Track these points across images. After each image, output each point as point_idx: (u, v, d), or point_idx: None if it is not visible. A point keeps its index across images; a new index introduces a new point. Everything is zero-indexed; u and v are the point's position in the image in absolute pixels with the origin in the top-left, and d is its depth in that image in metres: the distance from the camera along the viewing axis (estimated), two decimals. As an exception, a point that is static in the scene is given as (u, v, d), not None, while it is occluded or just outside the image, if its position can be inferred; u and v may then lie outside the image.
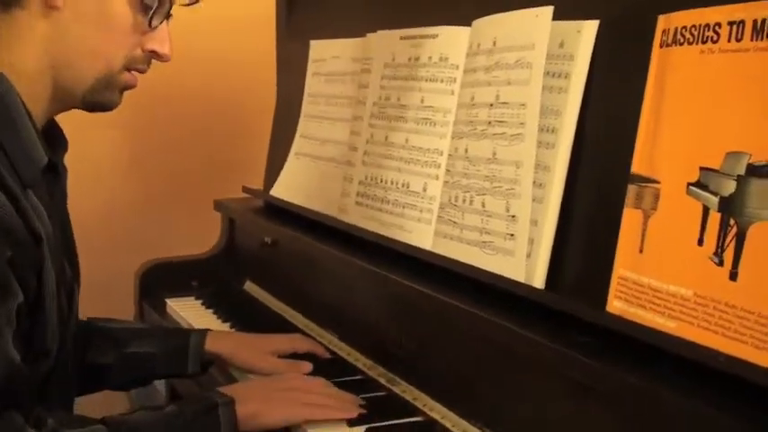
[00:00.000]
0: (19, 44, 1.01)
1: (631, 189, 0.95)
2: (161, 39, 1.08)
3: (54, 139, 1.12)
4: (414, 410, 1.18)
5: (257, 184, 1.92)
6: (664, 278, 0.89)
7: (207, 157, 2.32)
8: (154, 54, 1.09)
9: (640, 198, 0.94)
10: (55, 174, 1.11)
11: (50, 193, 1.08)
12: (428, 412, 1.17)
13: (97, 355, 1.30)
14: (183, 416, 1.04)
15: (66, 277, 1.12)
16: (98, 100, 1.08)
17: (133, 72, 1.09)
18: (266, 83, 2.08)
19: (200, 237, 1.96)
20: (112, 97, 1.09)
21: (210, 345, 1.33)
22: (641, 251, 0.93)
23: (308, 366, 1.31)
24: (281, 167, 1.82)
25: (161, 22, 1.07)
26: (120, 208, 2.29)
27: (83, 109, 1.10)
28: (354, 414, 1.13)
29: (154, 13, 1.05)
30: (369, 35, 1.53)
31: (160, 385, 2.13)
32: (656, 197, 0.91)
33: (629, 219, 0.95)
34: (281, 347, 1.35)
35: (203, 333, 1.35)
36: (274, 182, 1.82)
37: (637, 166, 0.95)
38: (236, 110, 2.31)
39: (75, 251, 1.21)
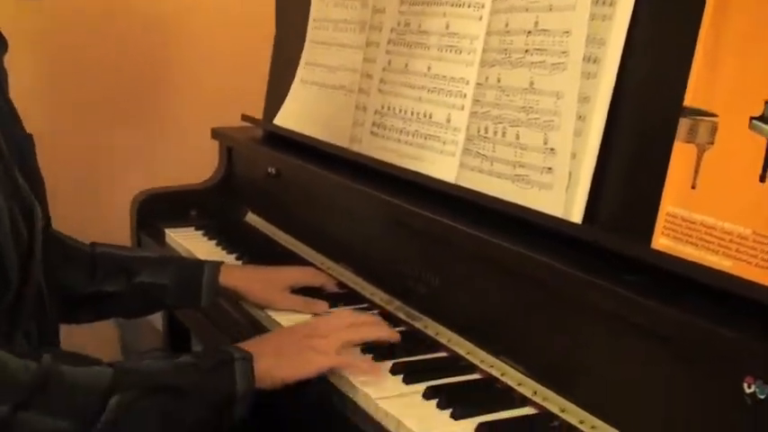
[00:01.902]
0: None
1: (684, 122, 0.91)
2: None
3: None
4: (437, 346, 1.16)
5: (255, 113, 1.85)
6: (719, 215, 0.87)
7: (203, 86, 2.24)
8: None
9: (694, 132, 0.90)
10: None
11: None
12: (452, 347, 1.14)
13: (105, 282, 1.25)
14: (197, 367, 0.98)
15: (22, 193, 1.00)
16: None
17: None
18: (263, 7, 1.99)
19: (197, 167, 1.90)
20: None
21: (225, 279, 1.29)
22: (693, 187, 0.90)
23: (325, 306, 1.27)
24: (282, 96, 1.75)
25: None
26: (115, 137, 2.22)
27: None
28: (377, 371, 1.05)
29: None
30: (384, -43, 1.46)
31: (156, 321, 2.10)
32: (713, 131, 0.88)
33: (681, 153, 0.91)
34: (295, 281, 1.32)
35: (217, 266, 1.30)
36: (275, 111, 1.76)
37: (691, 99, 0.91)
38: (231, 36, 2.23)
39: (32, 163, 1.10)
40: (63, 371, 0.89)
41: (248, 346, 1.05)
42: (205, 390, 0.97)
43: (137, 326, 2.44)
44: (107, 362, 0.94)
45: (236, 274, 1.31)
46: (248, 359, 1.01)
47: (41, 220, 1.05)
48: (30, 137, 1.11)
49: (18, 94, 1.13)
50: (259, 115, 1.83)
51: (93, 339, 2.38)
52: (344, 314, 1.16)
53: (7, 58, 1.11)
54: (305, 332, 1.09)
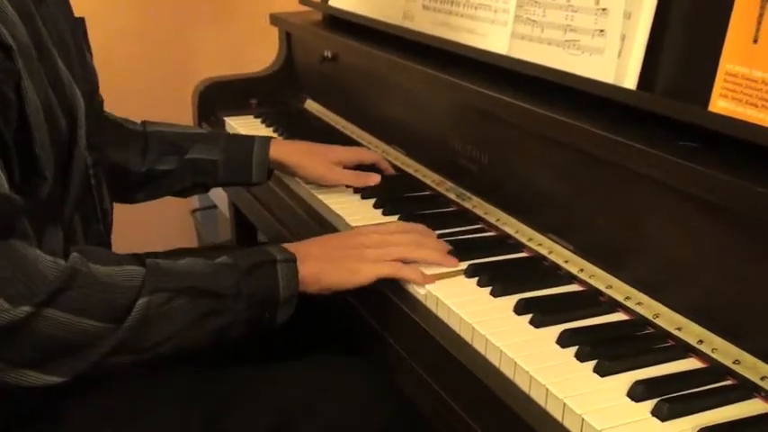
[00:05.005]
0: None
1: (748, -32, 0.81)
2: None
3: None
4: (486, 225, 1.12)
5: None
6: (782, 70, 0.78)
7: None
8: None
9: (759, -22, 0.80)
10: None
11: None
12: (501, 227, 1.10)
13: (158, 161, 1.24)
14: (237, 268, 0.92)
15: (63, 84, 0.93)
16: None
17: None
18: None
19: (257, 54, 1.87)
20: None
21: (275, 152, 1.26)
22: (756, 41, 0.81)
23: (376, 178, 1.24)
24: (340, -24, 1.69)
25: None
26: (173, 26, 2.21)
27: None
28: (432, 280, 0.97)
29: None
30: None
31: (223, 207, 2.13)
32: (780, -25, 0.78)
33: (743, 3, 0.82)
34: (346, 158, 1.28)
35: (267, 141, 1.28)
36: (334, -8, 1.70)
37: (756, -59, 0.81)
38: None
39: (81, 59, 1.03)
40: (92, 269, 0.83)
41: (294, 247, 0.99)
42: (243, 292, 0.91)
43: (213, 217, 2.49)
44: (141, 261, 0.88)
45: (287, 148, 1.28)
46: (293, 260, 0.95)
47: (95, 104, 1.00)
48: (81, 21, 1.07)
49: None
50: None
51: (170, 228, 2.46)
52: (406, 228, 1.07)
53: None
54: (359, 241, 1.02)
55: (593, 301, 0.92)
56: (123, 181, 1.24)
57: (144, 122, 1.29)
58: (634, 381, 0.76)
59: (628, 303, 0.89)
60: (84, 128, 0.95)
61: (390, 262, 0.99)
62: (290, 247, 0.99)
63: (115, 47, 2.18)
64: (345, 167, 1.27)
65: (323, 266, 0.97)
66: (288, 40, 1.82)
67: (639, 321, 0.88)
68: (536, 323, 0.87)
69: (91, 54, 1.10)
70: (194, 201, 2.45)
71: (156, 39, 2.22)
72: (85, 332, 0.81)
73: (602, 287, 0.93)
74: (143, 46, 2.21)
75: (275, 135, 1.57)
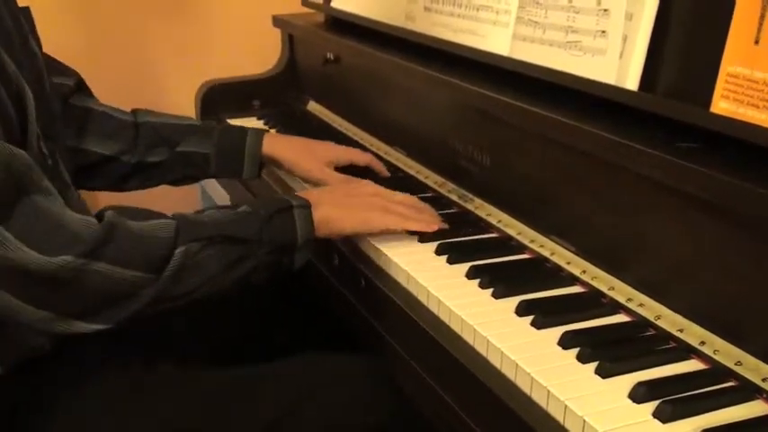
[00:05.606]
0: None
1: (749, -31, 0.81)
2: None
3: None
4: (488, 227, 1.12)
5: None
6: (784, 71, 0.77)
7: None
8: None
9: (760, -21, 0.80)
10: None
11: None
12: (503, 228, 1.10)
13: (147, 153, 1.25)
14: (258, 215, 0.98)
15: (10, 79, 0.92)
16: None
17: None
18: None
19: (259, 56, 1.87)
20: None
21: (267, 147, 1.27)
22: (757, 42, 0.80)
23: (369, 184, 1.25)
24: (342, -22, 1.69)
25: None
26: (175, 27, 2.21)
27: None
28: (435, 227, 1.08)
29: None
30: None
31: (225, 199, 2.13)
32: (781, -24, 0.78)
33: (744, 4, 0.82)
34: (338, 158, 1.29)
35: (260, 134, 1.28)
36: (336, -6, 1.70)
37: (758, -59, 0.81)
38: None
39: (26, 48, 1.01)
40: (128, 223, 0.88)
41: (306, 194, 1.06)
42: (265, 237, 0.96)
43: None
44: (168, 215, 0.94)
45: (279, 144, 1.28)
46: (307, 206, 1.01)
47: (47, 92, 1.01)
48: (26, 10, 1.05)
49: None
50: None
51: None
52: (403, 194, 1.15)
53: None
54: (365, 189, 1.11)
55: (595, 302, 0.92)
56: (111, 170, 1.25)
57: (134, 111, 1.29)
58: (636, 382, 0.76)
59: (629, 305, 0.89)
60: (34, 117, 0.94)
61: (396, 213, 1.06)
62: (304, 194, 1.06)
63: (115, 52, 2.19)
64: (338, 167, 1.28)
65: (334, 212, 1.04)
66: (290, 41, 1.82)
67: (641, 323, 0.88)
68: (537, 325, 0.87)
69: (39, 44, 1.08)
70: (196, 199, 2.44)
71: (159, 42, 2.22)
72: (129, 283, 0.86)
73: (604, 289, 0.93)
74: (144, 49, 2.21)
75: (278, 136, 1.57)
